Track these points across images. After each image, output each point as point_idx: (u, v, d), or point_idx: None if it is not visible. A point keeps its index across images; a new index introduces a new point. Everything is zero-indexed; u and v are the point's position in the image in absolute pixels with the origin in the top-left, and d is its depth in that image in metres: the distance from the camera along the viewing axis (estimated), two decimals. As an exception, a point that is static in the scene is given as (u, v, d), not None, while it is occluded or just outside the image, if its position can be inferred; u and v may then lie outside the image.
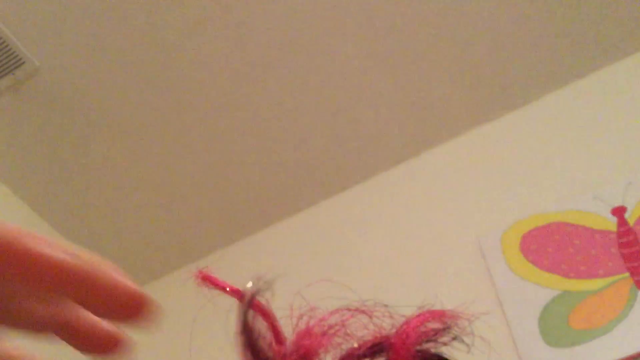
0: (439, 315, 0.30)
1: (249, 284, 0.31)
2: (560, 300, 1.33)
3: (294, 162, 1.77)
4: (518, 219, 1.48)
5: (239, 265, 1.74)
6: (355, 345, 0.30)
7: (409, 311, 0.32)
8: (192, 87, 1.62)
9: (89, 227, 1.86)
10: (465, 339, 0.30)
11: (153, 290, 1.93)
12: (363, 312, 0.31)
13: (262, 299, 0.31)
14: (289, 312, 0.32)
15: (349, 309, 0.31)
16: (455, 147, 1.72)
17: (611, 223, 1.37)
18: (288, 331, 0.31)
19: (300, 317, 0.32)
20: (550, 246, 1.42)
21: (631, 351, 1.21)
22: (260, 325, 0.30)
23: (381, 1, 1.50)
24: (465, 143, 1.72)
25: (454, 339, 0.30)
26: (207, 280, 0.34)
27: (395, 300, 0.34)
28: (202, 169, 1.78)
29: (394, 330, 0.30)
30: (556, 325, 1.30)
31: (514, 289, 1.39)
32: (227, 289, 0.33)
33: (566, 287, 1.34)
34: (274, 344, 0.30)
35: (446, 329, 0.30)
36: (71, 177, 1.77)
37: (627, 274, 1.29)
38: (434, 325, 0.30)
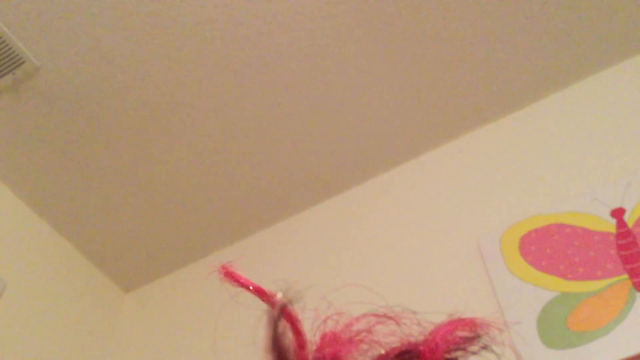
0: (469, 323, 0.29)
1: (280, 294, 0.31)
2: (558, 301, 1.33)
3: (294, 163, 1.77)
4: (517, 221, 1.48)
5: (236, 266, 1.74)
6: (383, 352, 0.30)
7: (415, 308, 0.32)
8: (192, 87, 1.62)
9: (89, 228, 1.86)
10: (495, 348, 0.29)
11: (153, 291, 1.93)
12: (391, 318, 0.30)
13: (290, 307, 0.30)
14: (300, 312, 0.32)
15: (376, 315, 0.31)
16: (455, 149, 1.73)
17: (610, 224, 1.37)
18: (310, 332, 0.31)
19: (325, 320, 0.31)
20: (549, 247, 1.42)
21: (629, 353, 1.21)
22: (289, 336, 0.30)
23: (379, 1, 1.50)
24: (464, 145, 1.72)
25: (484, 348, 0.29)
26: (230, 277, 0.33)
27: (393, 300, 0.34)
28: (203, 167, 1.78)
29: (422, 338, 0.30)
30: (554, 327, 1.30)
31: (512, 290, 1.38)
32: (250, 288, 0.32)
33: (565, 288, 1.34)
34: (297, 348, 0.30)
35: (475, 337, 0.29)
36: (71, 177, 1.77)
37: (625, 276, 1.29)
38: (463, 333, 0.29)
